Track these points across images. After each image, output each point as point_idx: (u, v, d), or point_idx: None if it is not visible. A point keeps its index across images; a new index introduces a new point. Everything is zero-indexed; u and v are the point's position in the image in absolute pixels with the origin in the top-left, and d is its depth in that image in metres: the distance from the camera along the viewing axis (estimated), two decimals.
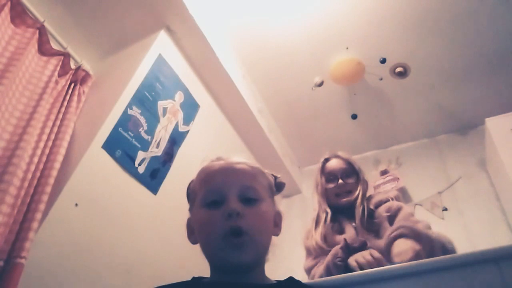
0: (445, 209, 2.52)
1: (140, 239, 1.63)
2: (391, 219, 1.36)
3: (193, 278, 0.75)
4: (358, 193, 1.45)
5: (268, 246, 0.73)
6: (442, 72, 2.49)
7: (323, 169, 1.57)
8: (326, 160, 1.60)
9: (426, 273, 0.77)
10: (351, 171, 1.52)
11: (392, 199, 1.44)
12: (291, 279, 0.74)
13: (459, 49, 2.36)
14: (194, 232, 0.76)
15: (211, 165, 0.79)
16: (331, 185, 1.50)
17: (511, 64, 2.41)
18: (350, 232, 1.36)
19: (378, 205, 1.44)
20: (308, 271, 1.36)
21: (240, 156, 0.81)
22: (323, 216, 1.45)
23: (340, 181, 1.48)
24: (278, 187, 0.85)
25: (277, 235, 0.77)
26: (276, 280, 0.74)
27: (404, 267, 0.83)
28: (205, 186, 0.76)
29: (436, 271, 0.76)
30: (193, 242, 0.77)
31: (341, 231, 1.40)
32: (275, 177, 0.85)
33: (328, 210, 1.46)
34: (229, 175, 0.75)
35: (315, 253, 1.37)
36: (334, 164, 1.55)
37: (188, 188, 0.84)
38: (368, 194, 1.53)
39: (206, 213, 0.72)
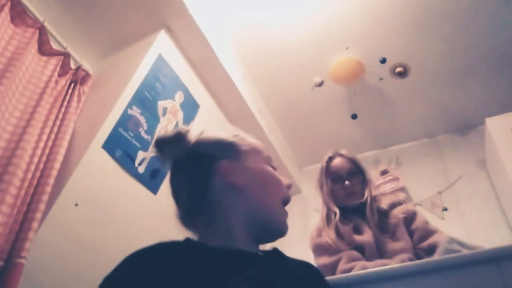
0: (445, 209, 2.52)
1: (140, 239, 1.63)
2: (407, 222, 1.35)
3: (187, 239, 0.68)
4: (367, 194, 1.42)
5: None
6: (442, 72, 2.49)
7: (327, 169, 1.53)
8: (330, 159, 1.55)
9: (426, 273, 0.77)
10: (356, 171, 1.48)
11: (405, 202, 1.45)
12: (276, 249, 0.74)
13: (459, 49, 2.36)
14: (236, 178, 0.69)
15: (254, 141, 0.79)
16: (336, 186, 1.47)
17: (511, 64, 2.41)
18: (368, 234, 1.33)
19: (392, 206, 1.42)
20: (328, 268, 1.29)
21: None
22: (333, 216, 1.42)
23: (347, 182, 1.45)
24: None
25: None
26: (262, 250, 0.73)
27: (404, 267, 0.83)
28: (262, 152, 0.77)
29: (437, 271, 0.76)
30: (236, 184, 0.69)
31: (357, 230, 1.37)
32: None
33: (337, 211, 1.42)
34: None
35: (330, 250, 1.32)
36: (338, 164, 1.51)
37: (229, 139, 0.75)
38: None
39: (274, 172, 0.74)
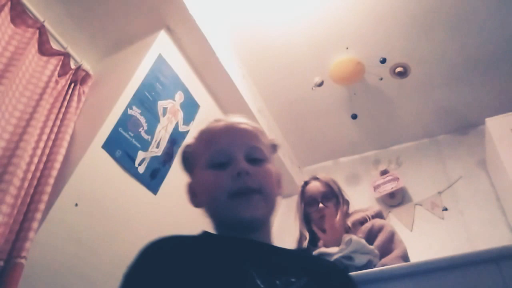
0: (445, 209, 2.52)
1: (140, 239, 1.63)
2: (370, 240, 1.36)
3: (205, 231, 0.72)
4: (338, 218, 1.45)
5: (275, 204, 0.73)
6: (442, 72, 2.49)
7: (303, 193, 1.59)
8: (306, 183, 1.60)
9: (427, 273, 0.77)
10: (331, 194, 1.53)
11: (369, 218, 1.46)
12: (305, 249, 0.75)
13: (459, 49, 2.36)
14: (196, 196, 0.75)
15: (213, 126, 0.77)
16: (311, 209, 1.52)
17: (511, 64, 2.41)
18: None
19: (356, 224, 1.45)
20: None
21: (238, 116, 0.80)
22: (303, 242, 1.48)
23: (321, 205, 1.49)
24: (273, 147, 0.85)
25: (280, 195, 0.79)
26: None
27: (405, 267, 0.83)
28: (210, 147, 0.74)
29: (437, 271, 0.76)
30: (196, 205, 0.75)
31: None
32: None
33: (307, 235, 1.48)
34: (235, 136, 0.74)
35: None
36: (313, 187, 1.56)
37: (186, 152, 0.80)
38: (351, 210, 1.55)
39: (212, 174, 0.71)
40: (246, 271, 0.60)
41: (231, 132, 0.75)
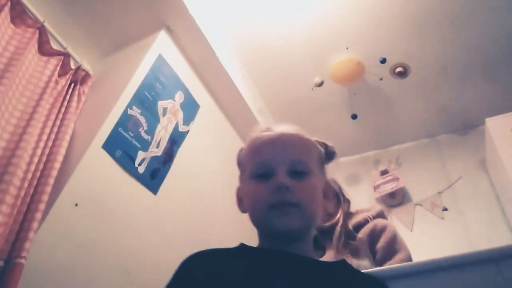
0: (445, 209, 2.53)
1: (140, 239, 1.63)
2: (373, 242, 1.36)
3: (242, 244, 0.74)
4: (339, 216, 1.45)
5: (316, 217, 0.73)
6: (442, 72, 2.49)
7: None
8: None
9: (427, 273, 0.77)
10: (331, 193, 1.52)
11: (371, 219, 1.45)
12: (343, 261, 0.75)
13: (459, 49, 2.36)
14: (243, 201, 0.78)
15: (260, 136, 0.78)
16: None
17: (511, 64, 2.41)
18: (329, 254, 1.37)
19: (357, 226, 1.43)
20: None
21: (288, 126, 0.80)
22: None
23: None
24: (329, 156, 0.85)
25: (327, 205, 0.79)
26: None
27: (404, 268, 0.83)
28: (254, 158, 0.76)
29: (437, 271, 0.76)
30: (242, 211, 0.77)
31: (323, 253, 1.40)
32: (326, 146, 0.86)
33: None
34: (278, 148, 0.75)
35: None
36: None
37: (238, 157, 0.84)
38: (352, 210, 1.54)
39: (254, 185, 0.72)
40: (276, 284, 0.62)
41: (275, 144, 0.75)
